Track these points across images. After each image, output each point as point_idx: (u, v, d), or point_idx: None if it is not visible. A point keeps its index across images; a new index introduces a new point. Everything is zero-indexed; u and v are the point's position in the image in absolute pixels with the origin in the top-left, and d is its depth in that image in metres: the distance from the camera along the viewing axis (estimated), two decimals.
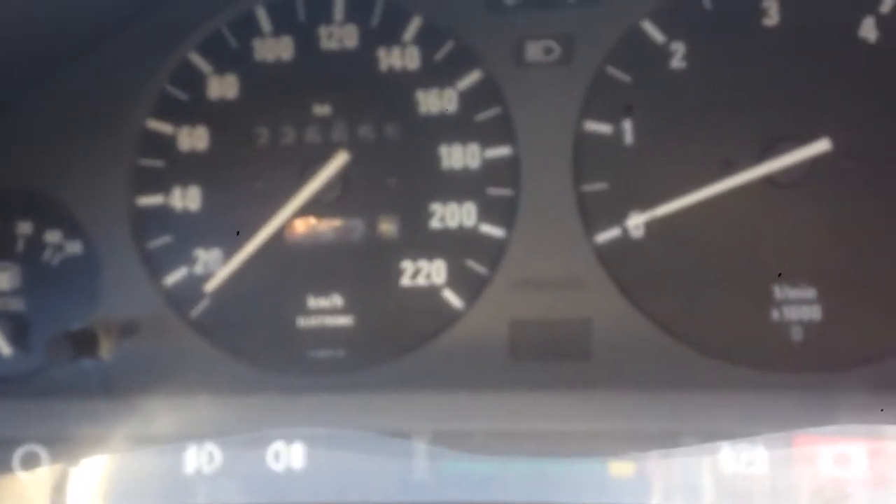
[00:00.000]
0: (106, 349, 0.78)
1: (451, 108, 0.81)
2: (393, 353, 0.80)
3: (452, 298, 0.80)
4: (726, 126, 0.78)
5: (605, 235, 0.78)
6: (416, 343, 0.79)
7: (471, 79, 0.81)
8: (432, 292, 0.80)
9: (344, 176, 0.81)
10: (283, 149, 0.82)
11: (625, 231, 0.78)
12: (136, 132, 0.84)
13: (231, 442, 0.73)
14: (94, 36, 0.83)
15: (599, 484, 0.68)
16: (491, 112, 0.81)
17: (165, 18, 0.84)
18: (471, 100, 0.81)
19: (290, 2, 0.84)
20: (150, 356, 0.81)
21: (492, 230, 0.80)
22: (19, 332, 0.82)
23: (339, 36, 0.83)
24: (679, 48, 0.79)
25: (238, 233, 0.81)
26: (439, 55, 0.82)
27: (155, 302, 0.82)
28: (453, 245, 0.80)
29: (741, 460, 0.65)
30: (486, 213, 0.80)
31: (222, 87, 0.84)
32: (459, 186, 0.81)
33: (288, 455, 0.73)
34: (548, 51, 0.81)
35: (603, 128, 0.79)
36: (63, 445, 0.76)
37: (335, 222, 0.82)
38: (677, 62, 0.79)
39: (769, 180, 0.76)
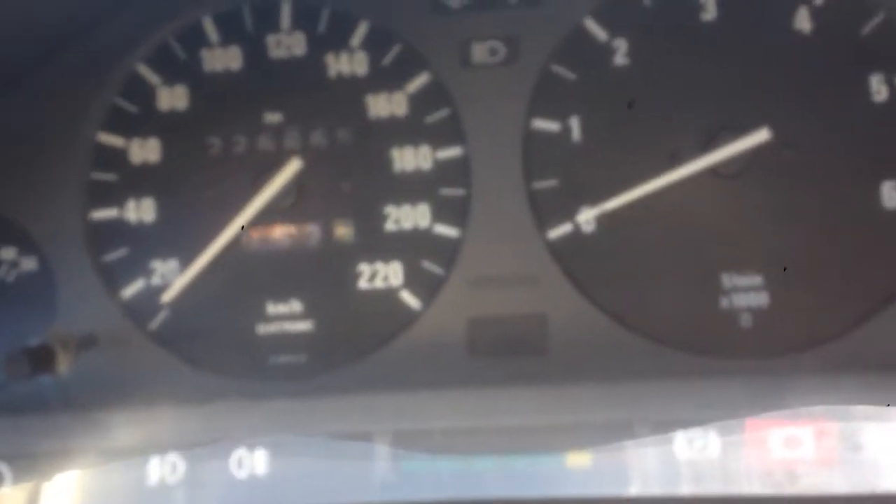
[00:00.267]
0: (64, 364, 0.78)
1: (400, 111, 0.82)
2: (353, 355, 0.81)
3: (410, 299, 0.81)
4: (670, 119, 0.79)
5: (557, 231, 0.80)
6: (376, 345, 0.80)
7: (419, 81, 0.82)
8: (390, 294, 0.81)
9: (298, 182, 0.82)
10: (236, 157, 0.83)
11: (576, 226, 0.79)
12: (87, 146, 0.84)
13: (193, 451, 0.73)
14: (42, 52, 0.83)
15: (558, 476, 0.69)
16: (440, 114, 0.82)
17: (113, 32, 0.84)
18: (420, 102, 0.82)
19: (238, 12, 0.84)
20: (110, 369, 0.81)
21: (446, 230, 0.81)
22: None
23: (287, 44, 0.84)
24: (621, 45, 0.81)
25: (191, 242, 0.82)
26: (387, 59, 0.83)
27: (113, 315, 0.82)
28: (409, 246, 0.81)
29: (695, 446, 0.67)
30: (439, 214, 0.81)
31: (172, 99, 0.84)
32: (412, 188, 0.82)
33: (251, 462, 0.73)
34: (493, 52, 0.82)
35: (551, 125, 0.81)
36: (26, 462, 0.76)
37: (291, 228, 0.82)
38: (620, 59, 0.80)
39: (713, 171, 0.77)
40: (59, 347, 0.78)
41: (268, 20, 0.84)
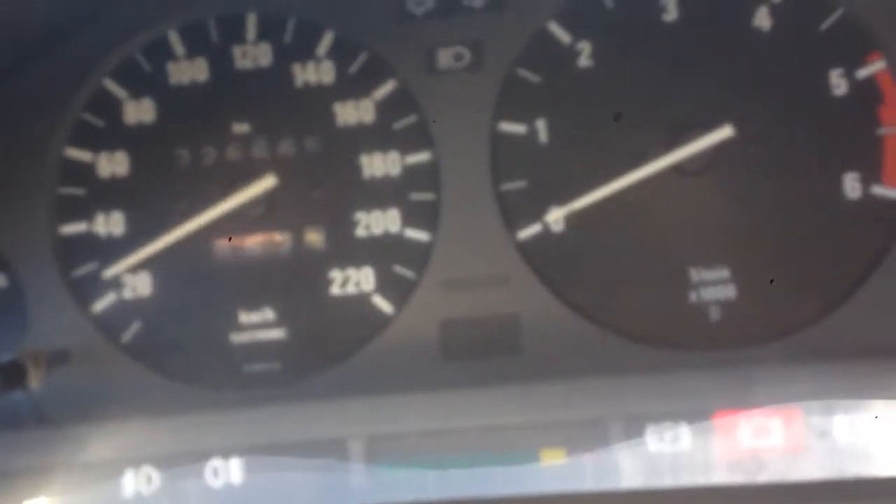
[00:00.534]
0: (36, 380, 0.78)
1: (368, 118, 0.83)
2: (327, 362, 0.81)
3: (382, 304, 0.81)
4: (635, 119, 0.80)
5: (527, 232, 0.80)
6: (350, 350, 0.80)
7: (386, 89, 0.83)
8: (362, 299, 0.81)
9: (268, 192, 0.82)
10: (205, 169, 0.83)
11: (545, 226, 0.80)
12: (54, 161, 0.84)
13: (169, 462, 0.73)
14: (7, 67, 0.83)
15: (533, 473, 0.69)
16: (408, 120, 0.83)
17: (79, 46, 0.84)
18: (387, 109, 0.83)
19: (203, 24, 0.85)
20: (83, 384, 0.81)
21: (417, 234, 0.82)
22: None
23: (254, 55, 0.84)
24: (585, 47, 0.82)
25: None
26: (353, 67, 0.83)
27: (84, 329, 0.82)
28: (380, 252, 0.82)
29: (665, 439, 0.68)
30: (410, 218, 0.82)
31: (139, 112, 0.84)
32: (382, 194, 0.82)
33: (227, 471, 0.73)
34: (458, 57, 0.83)
35: (517, 128, 0.82)
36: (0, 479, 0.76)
37: (262, 237, 0.83)
38: (584, 61, 0.82)
39: (678, 169, 0.78)
40: (31, 363, 0.78)
41: (233, 32, 0.84)
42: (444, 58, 0.83)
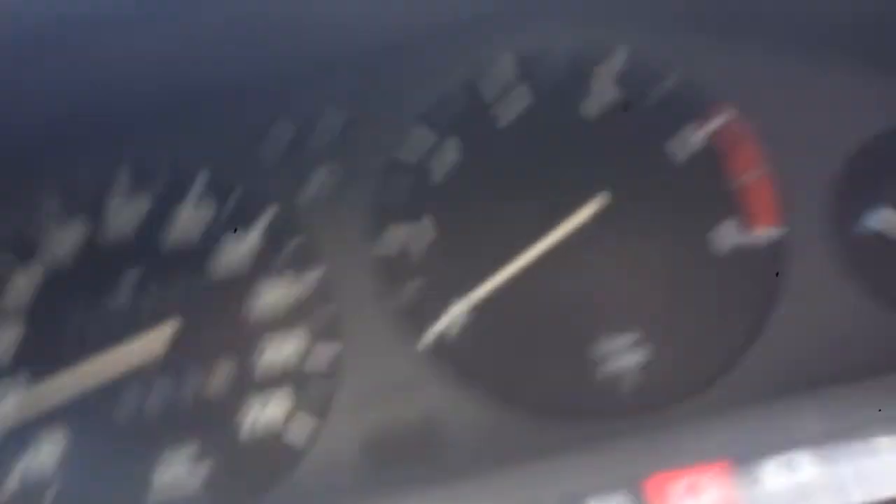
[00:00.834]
0: None
1: (255, 247, 0.83)
2: (247, 498, 0.78)
3: (296, 433, 0.79)
4: (513, 207, 0.81)
5: (430, 332, 0.79)
6: (267, 485, 0.78)
7: (267, 217, 0.83)
8: (274, 432, 0.79)
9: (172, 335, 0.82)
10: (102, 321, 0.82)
11: (448, 323, 0.79)
12: None
13: None
14: None
15: None
16: (294, 242, 0.83)
17: None
18: (273, 236, 0.83)
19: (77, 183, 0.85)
20: None
21: (323, 351, 0.80)
22: None
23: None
24: (453, 144, 0.83)
25: None
26: (229, 205, 0.84)
27: None
28: (288, 377, 0.80)
29: None
30: (313, 340, 0.81)
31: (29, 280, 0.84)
32: (283, 318, 0.81)
33: None
34: (331, 173, 0.84)
35: (403, 231, 0.82)
36: None
37: (169, 378, 0.81)
38: (453, 155, 0.83)
39: (566, 243, 0.79)
40: None
41: (107, 186, 0.84)
42: (317, 178, 0.84)
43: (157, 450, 0.79)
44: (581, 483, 0.69)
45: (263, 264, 0.83)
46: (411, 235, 0.82)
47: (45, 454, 0.80)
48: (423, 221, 0.82)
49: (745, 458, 0.66)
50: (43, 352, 0.82)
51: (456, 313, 0.79)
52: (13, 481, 0.80)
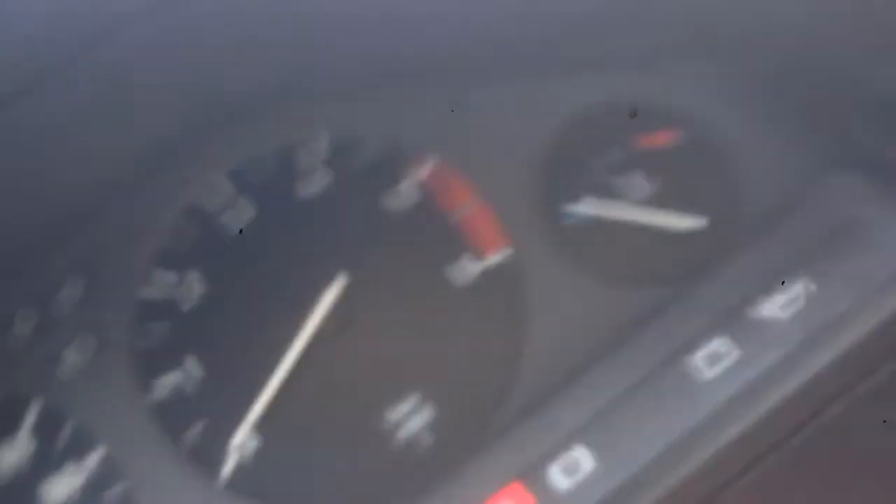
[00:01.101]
0: None
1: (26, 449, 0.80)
2: None
3: None
4: (267, 314, 0.82)
5: (224, 467, 0.78)
6: None
7: (32, 415, 0.81)
8: None
9: None
10: None
11: (238, 452, 0.78)
12: None
13: None
14: None
15: None
16: (67, 428, 0.80)
17: None
18: (43, 431, 0.80)
19: None
20: None
21: None
22: None
23: None
24: (194, 275, 0.84)
25: None
26: None
27: None
28: None
29: None
30: None
31: None
32: None
33: None
34: (83, 348, 0.82)
35: (169, 377, 0.81)
36: None
37: None
38: (197, 286, 0.83)
39: (324, 331, 0.80)
40: None
41: None
42: (72, 356, 0.82)
43: None
44: None
45: (41, 464, 0.80)
46: (179, 373, 0.81)
47: None
48: (187, 356, 0.81)
49: (532, 473, 0.67)
50: None
51: (242, 439, 0.78)
52: None
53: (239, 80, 0.82)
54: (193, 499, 0.77)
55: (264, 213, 0.85)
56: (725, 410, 0.64)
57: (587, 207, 0.80)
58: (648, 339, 0.69)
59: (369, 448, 0.78)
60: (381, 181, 0.84)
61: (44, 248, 0.84)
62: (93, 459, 0.79)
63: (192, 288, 0.84)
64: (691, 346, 0.67)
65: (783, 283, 0.67)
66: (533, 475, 0.67)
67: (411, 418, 0.78)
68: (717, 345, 0.66)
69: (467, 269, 0.81)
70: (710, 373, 0.66)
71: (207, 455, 0.79)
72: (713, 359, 0.66)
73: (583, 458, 0.66)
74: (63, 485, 0.79)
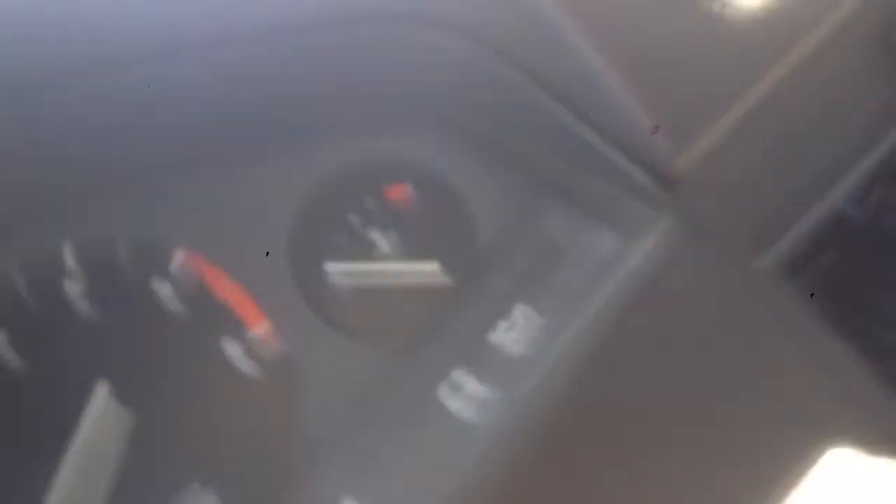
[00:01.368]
0: None
1: None
2: None
3: None
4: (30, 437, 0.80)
5: None
6: None
7: None
8: None
9: None
10: None
11: None
12: None
13: None
14: None
15: None
16: None
17: None
18: None
19: None
20: None
21: None
22: None
23: None
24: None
25: None
26: None
27: None
28: None
29: None
30: None
31: None
32: None
33: None
34: None
35: None
36: None
37: None
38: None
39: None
40: None
41: None
42: None
43: None
44: None
45: None
46: None
47: None
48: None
49: None
50: None
51: None
52: None
53: None
54: None
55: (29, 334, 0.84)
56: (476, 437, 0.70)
57: (334, 271, 0.86)
58: (399, 383, 0.75)
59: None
60: (138, 276, 0.86)
61: None
62: None
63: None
64: (436, 380, 0.73)
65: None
66: None
67: None
68: (458, 375, 0.73)
69: (233, 349, 0.84)
70: (455, 402, 0.72)
71: None
72: (456, 388, 0.72)
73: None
74: None
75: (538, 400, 0.70)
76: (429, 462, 0.71)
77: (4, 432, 0.80)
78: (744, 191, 0.73)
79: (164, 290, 0.86)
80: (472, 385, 0.72)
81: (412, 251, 0.87)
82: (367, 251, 0.87)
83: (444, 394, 0.73)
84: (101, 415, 0.80)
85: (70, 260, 0.86)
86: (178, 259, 0.86)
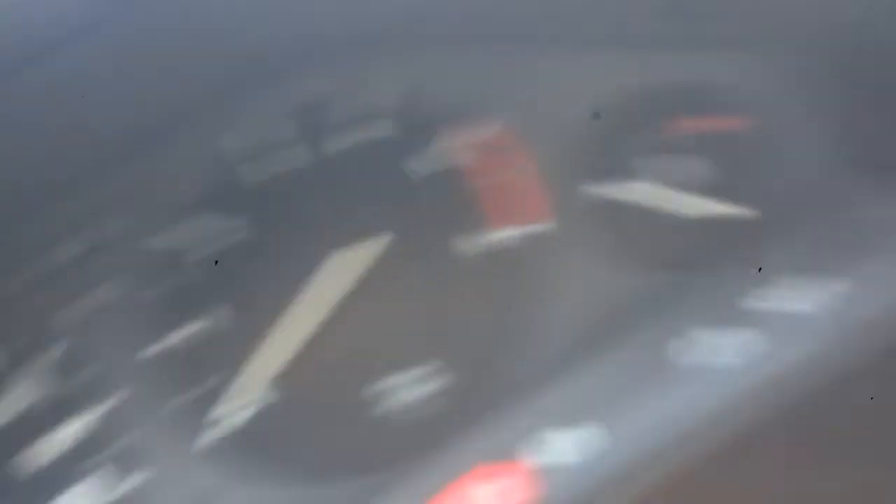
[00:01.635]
0: None
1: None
2: None
3: None
4: (281, 270, 0.80)
5: (216, 428, 0.76)
6: None
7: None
8: None
9: None
10: None
11: (235, 412, 0.77)
12: None
13: None
14: None
15: None
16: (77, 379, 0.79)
17: None
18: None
19: None
20: None
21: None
22: None
23: None
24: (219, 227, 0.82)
25: None
26: None
27: None
28: None
29: None
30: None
31: None
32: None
33: None
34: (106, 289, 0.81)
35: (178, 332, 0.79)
36: None
37: None
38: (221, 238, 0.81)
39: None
40: None
41: None
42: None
43: None
44: None
45: (55, 400, 0.78)
46: (192, 329, 0.80)
47: None
48: (202, 306, 0.80)
49: (536, 447, 0.66)
50: None
51: (243, 394, 0.77)
52: None
53: (284, 28, 0.82)
54: (183, 456, 0.76)
55: (295, 165, 0.84)
56: (722, 396, 0.64)
57: (620, 188, 0.78)
58: (646, 324, 0.68)
59: (371, 414, 0.76)
60: (418, 140, 0.83)
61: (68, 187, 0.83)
62: (106, 405, 0.79)
63: (216, 237, 0.83)
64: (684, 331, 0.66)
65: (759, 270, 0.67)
66: (538, 449, 0.65)
67: (417, 386, 0.76)
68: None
69: (489, 239, 0.79)
70: (703, 359, 0.65)
71: (200, 417, 0.77)
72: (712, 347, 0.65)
73: (590, 436, 0.65)
74: (72, 427, 0.78)
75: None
76: (669, 412, 0.64)
77: (269, 264, 0.80)
78: None
79: (442, 156, 0.82)
80: (730, 334, 0.64)
81: (706, 188, 0.78)
82: (652, 177, 0.79)
83: (701, 336, 0.65)
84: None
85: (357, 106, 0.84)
86: (466, 125, 0.82)
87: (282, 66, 0.84)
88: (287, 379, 0.77)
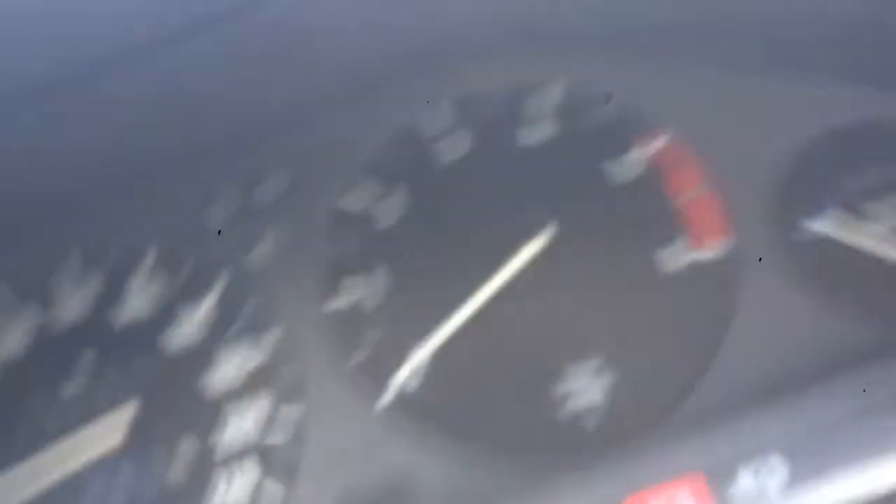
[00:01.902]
0: None
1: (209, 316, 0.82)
2: None
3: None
4: (466, 246, 0.82)
5: (391, 387, 0.78)
6: None
7: (220, 285, 0.82)
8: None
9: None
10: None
11: (408, 374, 0.78)
12: None
13: None
14: None
15: None
16: (250, 306, 0.82)
17: None
18: (228, 302, 0.82)
19: None
20: None
21: (286, 419, 0.78)
22: None
23: None
24: (399, 190, 0.84)
25: None
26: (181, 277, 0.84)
27: None
28: (253, 452, 0.78)
29: None
30: (277, 406, 0.79)
31: None
32: (245, 389, 0.79)
33: None
34: (281, 233, 0.84)
35: (356, 283, 0.82)
36: None
37: (129, 468, 0.78)
38: (399, 202, 0.84)
39: (519, 278, 0.79)
40: None
41: (56, 269, 0.84)
42: (267, 241, 0.84)
43: None
44: None
45: (220, 333, 0.81)
46: (365, 287, 0.82)
47: None
48: (376, 271, 0.82)
49: (717, 468, 0.65)
50: None
51: (415, 363, 0.78)
52: None
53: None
54: (358, 409, 0.77)
55: (481, 149, 0.85)
56: None
57: (827, 225, 0.77)
58: (864, 375, 0.66)
59: (536, 402, 0.77)
60: (611, 144, 0.83)
61: (252, 140, 0.86)
62: (269, 339, 0.81)
63: (394, 206, 0.84)
64: None
65: None
66: (719, 471, 0.64)
67: (586, 383, 0.77)
68: None
69: (679, 255, 0.79)
70: None
71: (377, 371, 0.79)
72: None
73: (776, 467, 0.64)
74: (237, 358, 0.81)
75: None
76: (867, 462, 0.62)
77: (445, 241, 0.82)
78: None
79: (633, 164, 0.81)
80: None
81: None
82: (869, 219, 0.77)
83: None
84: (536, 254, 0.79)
85: (549, 103, 0.85)
86: (661, 141, 0.82)
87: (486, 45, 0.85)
88: (447, 356, 0.78)
